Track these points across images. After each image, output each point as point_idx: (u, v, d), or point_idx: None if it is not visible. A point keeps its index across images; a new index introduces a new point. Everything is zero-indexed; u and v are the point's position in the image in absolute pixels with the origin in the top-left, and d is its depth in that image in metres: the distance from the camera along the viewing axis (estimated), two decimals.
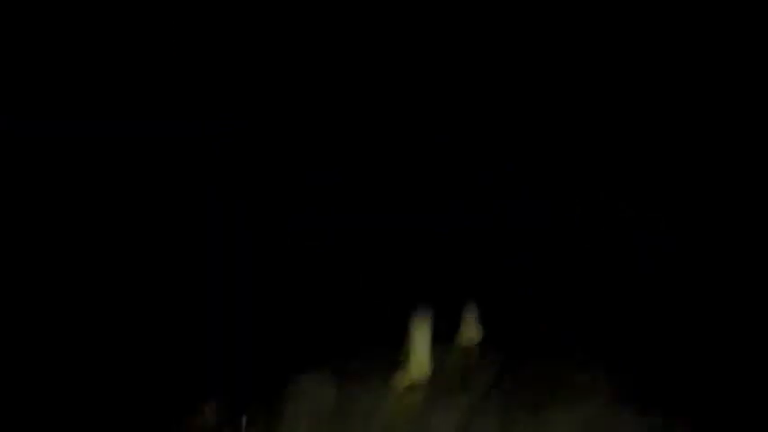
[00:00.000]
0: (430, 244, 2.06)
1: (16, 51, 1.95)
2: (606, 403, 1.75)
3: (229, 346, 2.13)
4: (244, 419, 2.00)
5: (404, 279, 2.18)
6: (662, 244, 2.34)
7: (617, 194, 2.53)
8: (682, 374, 1.75)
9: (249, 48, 2.14)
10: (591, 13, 2.14)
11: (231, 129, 2.23)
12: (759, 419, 1.59)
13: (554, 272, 2.34)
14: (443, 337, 2.15)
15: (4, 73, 1.92)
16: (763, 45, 2.11)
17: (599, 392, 1.79)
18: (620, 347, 1.93)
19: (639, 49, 2.26)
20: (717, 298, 2.03)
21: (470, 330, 2.22)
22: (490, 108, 1.87)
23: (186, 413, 1.99)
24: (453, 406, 1.90)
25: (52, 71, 2.04)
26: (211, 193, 2.28)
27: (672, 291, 2.12)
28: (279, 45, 2.09)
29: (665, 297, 2.10)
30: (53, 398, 1.92)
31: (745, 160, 2.28)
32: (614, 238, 2.45)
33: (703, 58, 2.23)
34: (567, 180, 2.56)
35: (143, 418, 1.94)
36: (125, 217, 2.17)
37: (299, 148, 2.27)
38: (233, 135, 2.24)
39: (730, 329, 1.87)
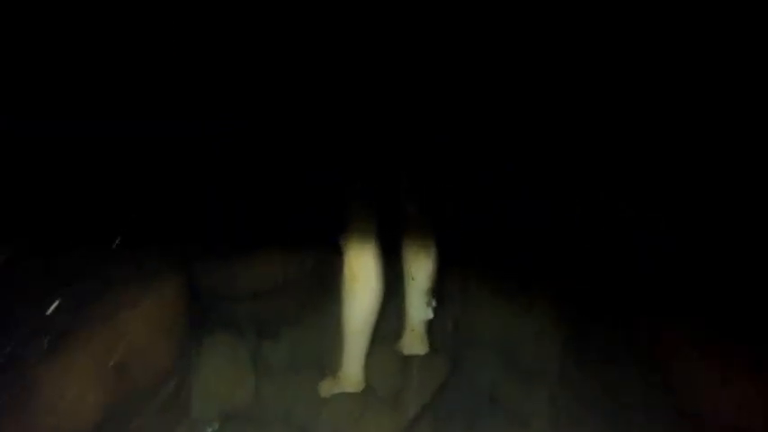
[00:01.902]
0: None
1: (16, 51, 1.95)
2: None
3: None
4: None
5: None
6: (662, 244, 2.34)
7: (617, 194, 2.53)
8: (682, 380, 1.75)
9: (249, 48, 2.14)
10: (591, 12, 2.14)
11: (231, 129, 2.23)
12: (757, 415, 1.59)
13: (554, 272, 2.34)
14: (384, 342, 1.89)
15: (3, 73, 1.92)
16: (763, 45, 2.10)
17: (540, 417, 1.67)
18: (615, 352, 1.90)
19: (639, 49, 2.26)
20: (717, 298, 2.03)
21: (415, 339, 1.95)
22: (490, 108, 1.87)
23: None
24: (381, 425, 1.69)
25: (52, 71, 2.04)
26: (211, 193, 2.28)
27: (672, 291, 2.12)
28: (278, 45, 2.09)
29: (664, 297, 2.10)
30: None
31: (745, 160, 2.28)
32: (614, 238, 2.45)
33: (703, 58, 2.22)
34: (567, 180, 2.56)
35: None
36: (125, 217, 2.17)
37: (298, 148, 2.27)
38: (233, 135, 2.24)
39: (730, 330, 1.87)
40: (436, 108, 1.78)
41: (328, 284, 1.88)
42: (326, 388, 1.82)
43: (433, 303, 1.95)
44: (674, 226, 2.38)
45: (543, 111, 2.30)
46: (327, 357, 1.87)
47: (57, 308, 1.60)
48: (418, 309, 1.93)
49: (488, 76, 1.81)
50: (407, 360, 1.94)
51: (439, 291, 1.96)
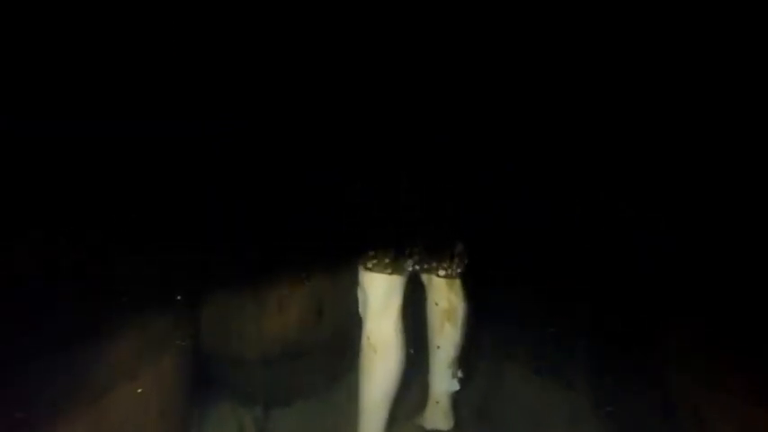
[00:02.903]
0: None
1: (16, 51, 1.95)
2: None
3: None
4: None
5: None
6: (662, 244, 2.34)
7: (617, 194, 2.53)
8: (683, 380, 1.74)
9: (249, 48, 2.14)
10: (591, 13, 2.14)
11: (231, 129, 2.22)
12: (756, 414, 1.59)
13: (554, 272, 2.33)
14: (405, 416, 1.73)
15: (4, 73, 1.92)
16: (763, 45, 2.10)
17: None
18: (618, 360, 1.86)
19: (639, 49, 2.26)
20: (717, 298, 2.02)
21: (439, 413, 1.79)
22: (490, 108, 1.86)
23: None
24: None
25: (52, 71, 2.04)
26: (211, 193, 2.28)
27: (672, 291, 2.12)
28: (279, 45, 2.09)
29: (665, 297, 2.10)
30: None
31: (745, 160, 2.28)
32: (614, 238, 2.45)
33: (703, 58, 2.22)
34: (567, 180, 2.56)
35: None
36: (124, 217, 2.17)
37: (299, 148, 2.28)
38: (233, 135, 2.24)
39: (730, 330, 1.87)
40: (436, 108, 1.77)
41: (345, 352, 1.78)
42: None
43: (460, 374, 1.81)
44: (673, 226, 2.38)
45: (544, 111, 2.30)
46: None
47: (42, 380, 1.36)
48: (443, 380, 1.79)
49: (489, 76, 1.81)
50: None
51: (466, 360, 1.82)
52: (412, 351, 1.70)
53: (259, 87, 2.21)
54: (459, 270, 1.75)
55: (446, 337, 1.76)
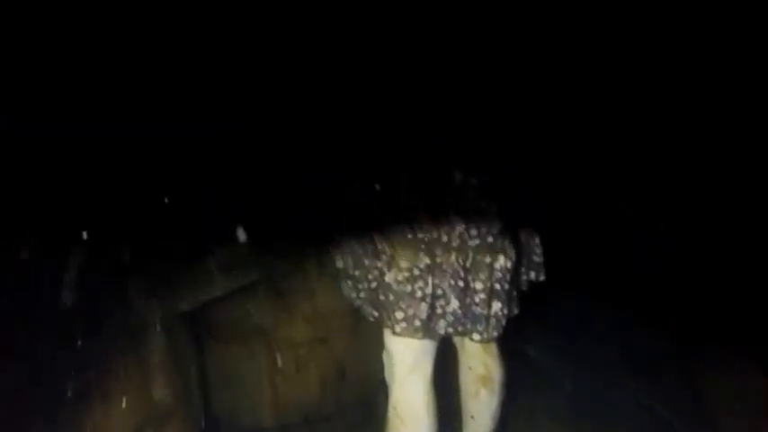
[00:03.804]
0: None
1: (16, 51, 1.95)
2: None
3: None
4: None
5: None
6: (662, 244, 2.34)
7: (617, 194, 2.53)
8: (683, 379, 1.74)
9: (249, 47, 2.14)
10: (590, 13, 2.14)
11: (231, 129, 2.22)
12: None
13: (554, 272, 2.33)
14: None
15: (4, 73, 1.92)
16: (763, 45, 2.10)
17: None
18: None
19: (639, 49, 2.26)
20: (717, 298, 2.02)
21: None
22: (490, 108, 1.87)
23: None
24: None
25: (52, 71, 2.04)
26: (211, 193, 2.28)
27: (672, 291, 2.12)
28: (279, 45, 2.09)
29: (665, 297, 2.10)
30: None
31: (745, 160, 2.28)
32: (614, 238, 2.45)
33: (703, 58, 2.22)
34: (567, 180, 2.56)
35: None
36: (124, 217, 2.17)
37: (299, 148, 2.28)
38: (233, 135, 2.24)
39: (730, 330, 1.87)
40: (436, 108, 1.77)
41: (369, 420, 1.64)
42: None
43: None
44: (673, 226, 2.38)
45: (544, 111, 2.30)
46: None
47: None
48: None
49: (489, 76, 1.81)
50: None
51: (503, 430, 1.64)
52: None
53: (259, 87, 2.21)
54: (495, 333, 1.52)
55: (482, 405, 1.58)
